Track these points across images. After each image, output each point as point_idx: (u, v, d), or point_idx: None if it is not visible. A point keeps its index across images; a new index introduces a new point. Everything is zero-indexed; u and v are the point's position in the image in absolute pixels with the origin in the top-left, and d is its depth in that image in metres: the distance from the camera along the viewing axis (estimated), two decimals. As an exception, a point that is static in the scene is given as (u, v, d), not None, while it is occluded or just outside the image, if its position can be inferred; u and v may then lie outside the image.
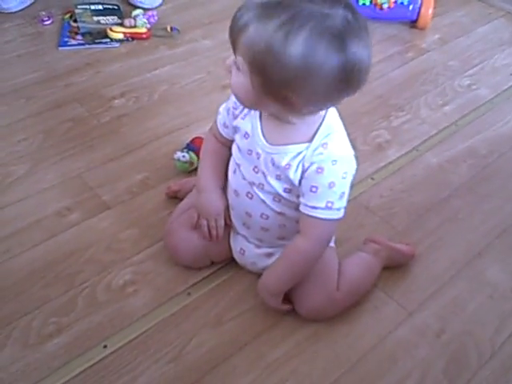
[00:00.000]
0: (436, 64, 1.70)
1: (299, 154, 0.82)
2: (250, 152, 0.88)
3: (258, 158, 0.86)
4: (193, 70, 1.61)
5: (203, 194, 0.97)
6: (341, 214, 0.84)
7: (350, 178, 0.83)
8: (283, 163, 0.83)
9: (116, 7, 1.83)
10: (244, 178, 0.90)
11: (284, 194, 0.87)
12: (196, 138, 1.26)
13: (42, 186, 1.21)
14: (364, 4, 1.80)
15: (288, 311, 0.96)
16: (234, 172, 0.93)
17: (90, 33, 1.73)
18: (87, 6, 1.80)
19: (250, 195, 0.91)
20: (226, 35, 0.75)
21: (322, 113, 0.82)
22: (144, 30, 1.74)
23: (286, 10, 0.68)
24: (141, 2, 1.88)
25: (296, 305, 0.95)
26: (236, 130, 0.90)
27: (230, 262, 1.04)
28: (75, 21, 1.76)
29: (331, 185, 0.81)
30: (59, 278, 1.02)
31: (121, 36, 1.72)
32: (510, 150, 1.37)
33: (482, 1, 2.06)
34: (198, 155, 1.16)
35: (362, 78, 0.73)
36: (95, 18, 1.77)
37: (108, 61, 1.63)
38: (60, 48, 1.68)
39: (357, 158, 0.84)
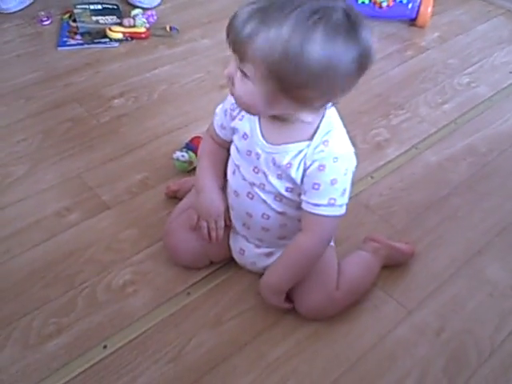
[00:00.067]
0: (435, 62, 1.70)
1: (300, 152, 0.82)
2: (249, 153, 0.87)
3: (258, 159, 0.86)
4: (192, 70, 1.61)
5: (202, 193, 0.97)
6: (343, 210, 0.85)
7: (350, 175, 0.84)
8: (284, 162, 0.83)
9: (115, 7, 1.83)
10: (244, 179, 0.90)
11: (286, 194, 0.87)
12: (195, 137, 1.26)
13: (41, 187, 1.21)
14: (363, 2, 1.80)
15: (289, 310, 0.96)
16: (234, 173, 0.93)
17: (89, 32, 1.73)
18: (86, 6, 1.79)
19: (250, 195, 0.90)
20: (225, 35, 0.74)
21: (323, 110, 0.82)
22: (143, 29, 1.74)
23: (288, 11, 0.68)
24: (140, 2, 1.87)
25: (296, 304, 0.95)
26: (234, 131, 0.90)
27: (230, 261, 1.04)
28: (74, 21, 1.76)
29: (333, 182, 0.81)
30: (59, 278, 1.02)
31: (120, 36, 1.72)
32: (509, 148, 1.37)
33: (481, -1, 2.06)
34: (197, 155, 1.16)
35: (371, 60, 0.74)
36: (94, 18, 1.77)
37: (107, 61, 1.63)
38: (59, 48, 1.67)
39: (356, 156, 0.85)
